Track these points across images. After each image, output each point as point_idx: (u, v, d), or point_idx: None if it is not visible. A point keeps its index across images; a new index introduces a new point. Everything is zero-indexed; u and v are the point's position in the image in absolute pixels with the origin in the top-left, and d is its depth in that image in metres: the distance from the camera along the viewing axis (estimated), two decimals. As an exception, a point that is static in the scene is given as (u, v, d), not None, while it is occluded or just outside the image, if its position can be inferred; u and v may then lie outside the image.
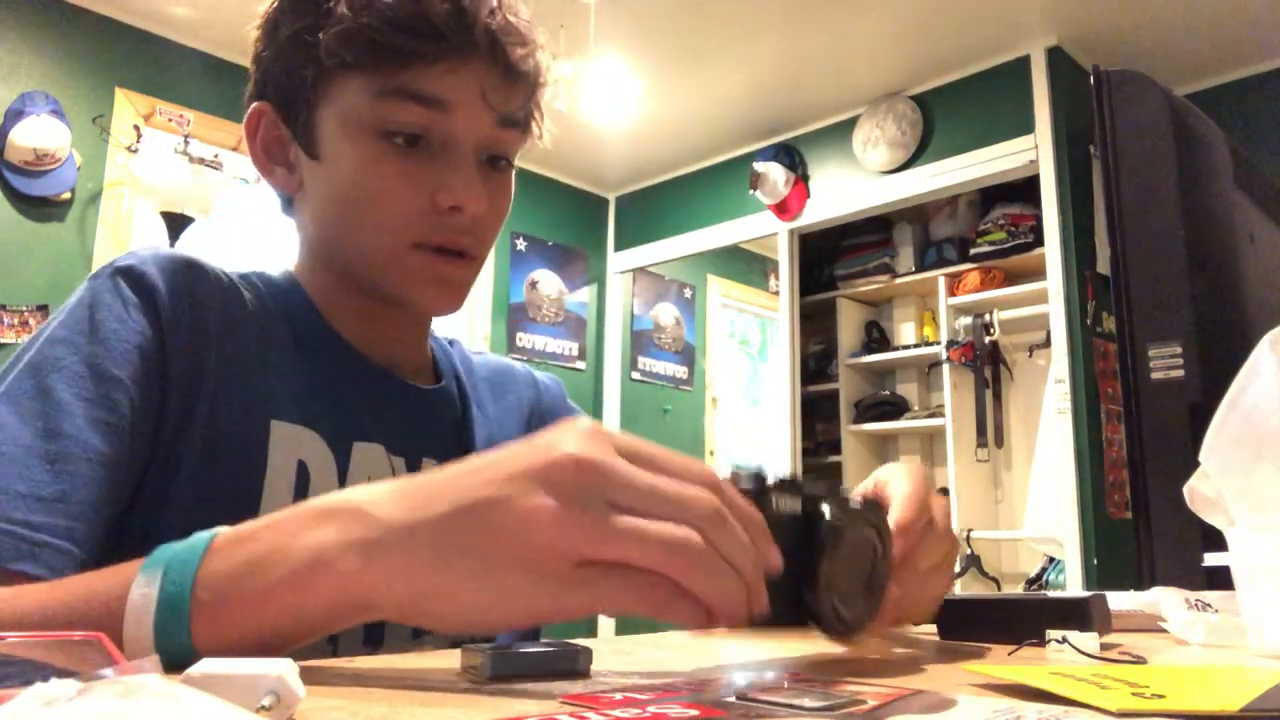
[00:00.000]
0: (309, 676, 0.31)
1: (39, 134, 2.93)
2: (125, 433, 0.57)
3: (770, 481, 0.44)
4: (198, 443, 0.60)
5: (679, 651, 0.53)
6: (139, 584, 0.39)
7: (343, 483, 0.66)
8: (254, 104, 0.70)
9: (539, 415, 0.86)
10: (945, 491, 4.04)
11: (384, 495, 0.40)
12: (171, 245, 2.96)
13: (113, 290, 0.60)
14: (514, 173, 0.73)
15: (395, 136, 0.64)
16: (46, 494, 0.51)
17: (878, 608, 0.49)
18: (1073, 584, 3.07)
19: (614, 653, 0.50)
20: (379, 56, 0.63)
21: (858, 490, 0.53)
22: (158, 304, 0.61)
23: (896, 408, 4.44)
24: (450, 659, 0.45)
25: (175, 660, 0.35)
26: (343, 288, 0.71)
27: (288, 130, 0.69)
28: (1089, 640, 0.51)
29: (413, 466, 0.71)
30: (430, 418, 0.75)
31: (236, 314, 0.65)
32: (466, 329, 4.10)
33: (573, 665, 0.41)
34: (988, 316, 3.94)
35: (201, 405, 0.60)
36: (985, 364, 3.96)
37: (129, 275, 0.61)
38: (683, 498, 0.37)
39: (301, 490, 0.63)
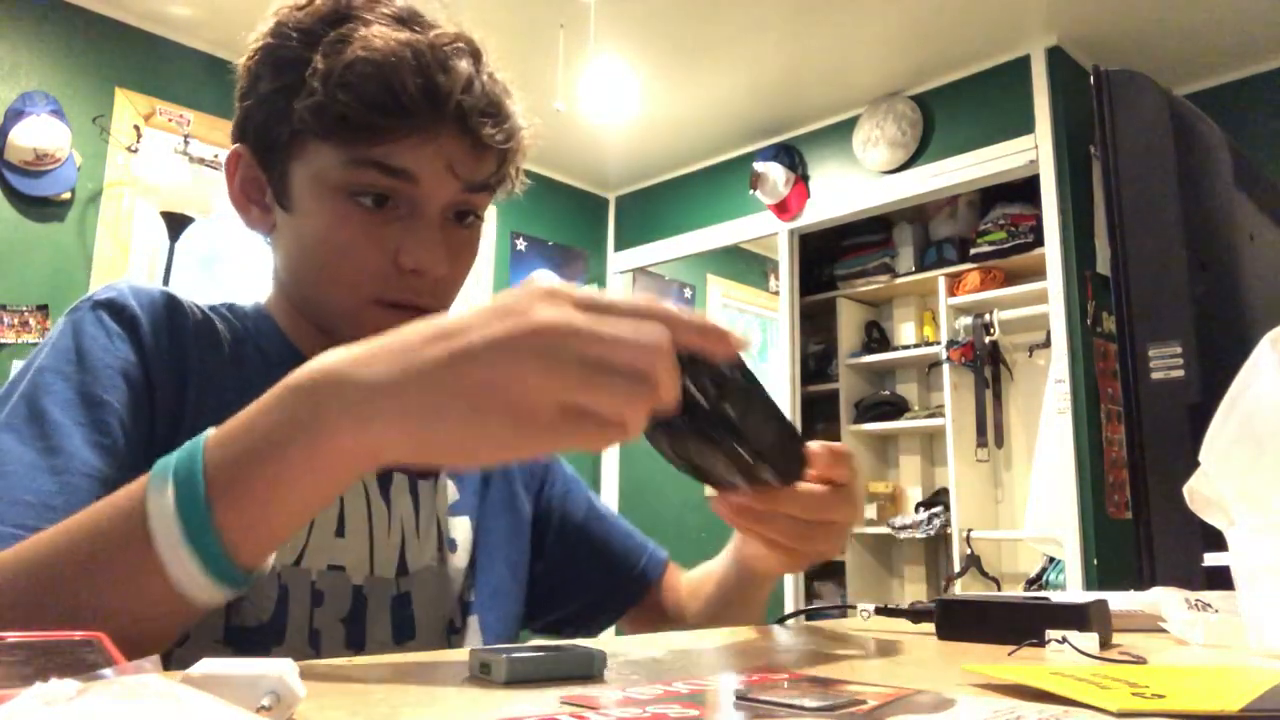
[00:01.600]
0: (309, 676, 0.31)
1: (39, 134, 2.93)
2: (120, 453, 0.58)
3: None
4: None
5: (680, 652, 0.53)
6: (152, 498, 0.42)
7: None
8: (234, 145, 0.72)
9: None
10: (945, 491, 4.04)
11: (366, 356, 0.43)
12: (172, 244, 2.96)
13: (95, 321, 0.62)
14: (482, 226, 0.74)
15: (362, 197, 0.65)
16: (55, 503, 0.53)
17: (798, 462, 0.56)
18: (1073, 584, 3.07)
19: (615, 653, 0.50)
20: (348, 131, 0.64)
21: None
22: (140, 335, 0.63)
23: (896, 408, 4.44)
24: (450, 659, 0.45)
25: (211, 554, 0.41)
26: (310, 325, 0.73)
27: (264, 175, 0.70)
28: (1089, 640, 0.51)
29: (384, 483, 0.72)
30: None
31: (212, 346, 0.67)
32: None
33: (588, 669, 0.41)
34: (988, 316, 3.94)
35: (184, 436, 0.61)
36: (985, 364, 3.96)
37: (110, 307, 0.63)
38: (639, 340, 0.41)
39: None
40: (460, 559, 0.75)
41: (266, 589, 0.62)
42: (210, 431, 0.44)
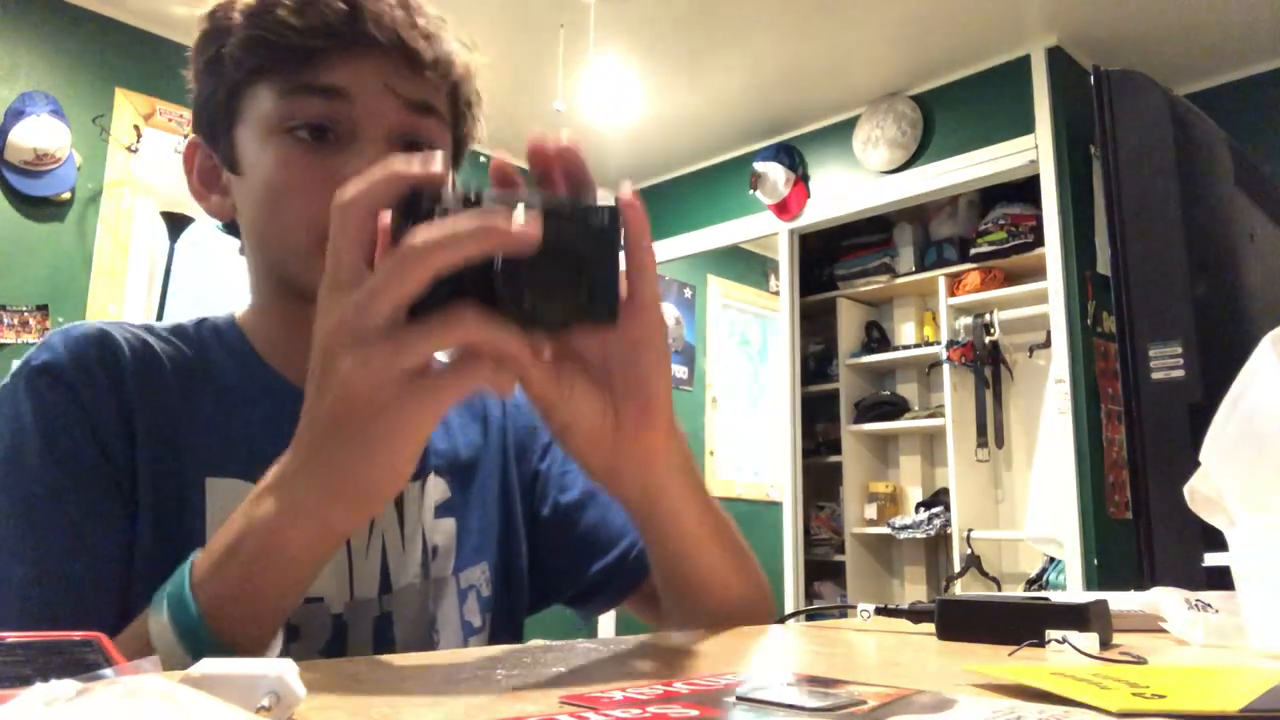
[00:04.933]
0: (309, 676, 0.31)
1: (39, 134, 2.93)
2: (119, 520, 0.60)
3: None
4: (144, 508, 0.62)
5: (679, 652, 0.53)
6: (153, 621, 0.46)
7: None
8: (190, 138, 0.72)
9: (506, 416, 0.84)
10: (945, 492, 4.04)
11: (287, 458, 0.47)
12: (172, 244, 2.96)
13: (31, 394, 0.61)
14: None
15: (299, 130, 0.65)
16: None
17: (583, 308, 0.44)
18: (1073, 584, 3.07)
19: (615, 653, 0.50)
20: (277, 57, 0.64)
21: None
22: (80, 399, 0.62)
23: (896, 408, 4.44)
24: (451, 659, 0.45)
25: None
26: (286, 322, 0.71)
27: (216, 157, 0.71)
28: (1089, 640, 0.51)
29: None
30: None
31: (154, 378, 0.66)
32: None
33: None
34: (988, 316, 3.94)
35: (142, 469, 0.62)
36: (985, 364, 3.96)
37: (47, 373, 0.62)
38: (394, 278, 0.41)
39: None
40: (443, 566, 0.73)
41: None
42: (195, 557, 0.49)
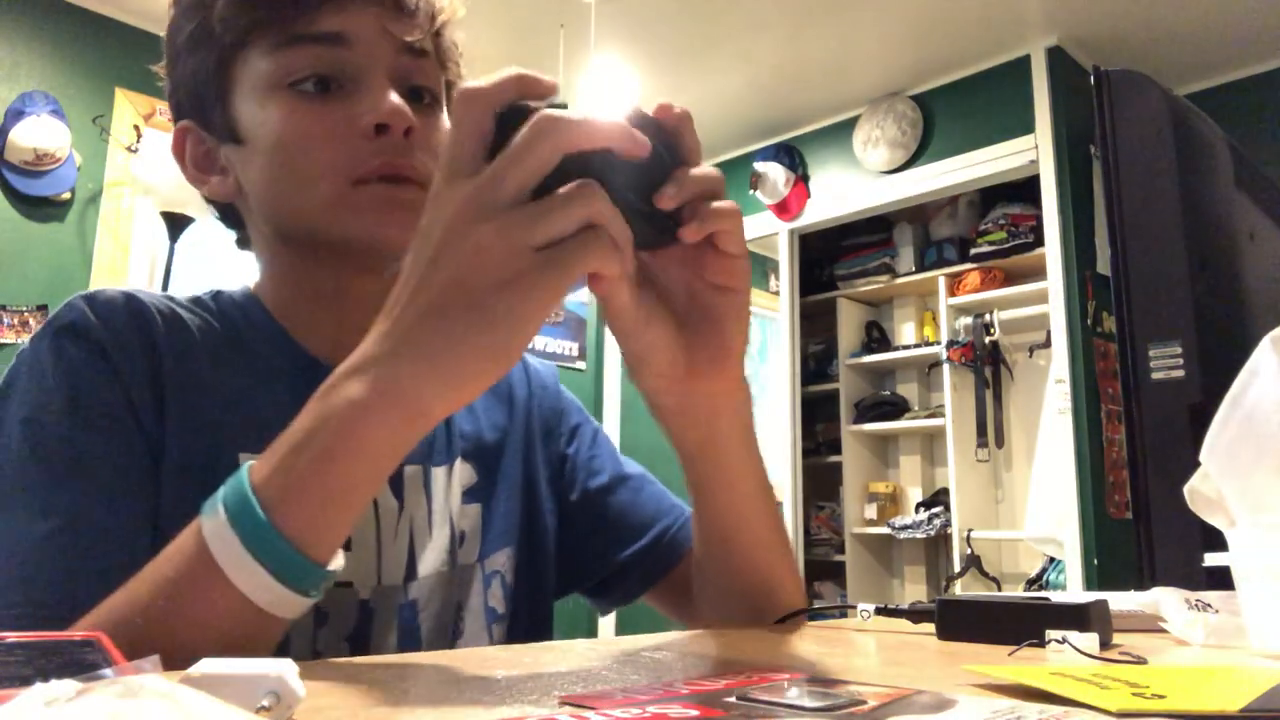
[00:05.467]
0: (309, 676, 0.31)
1: (39, 134, 2.93)
2: (146, 486, 0.58)
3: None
4: (173, 478, 0.60)
5: (679, 651, 0.53)
6: (207, 526, 0.44)
7: None
8: (175, 126, 0.71)
9: (532, 398, 0.83)
10: (945, 492, 4.04)
11: (372, 342, 0.45)
12: (172, 244, 2.96)
13: (57, 351, 0.59)
14: (445, 118, 0.70)
15: (304, 84, 0.64)
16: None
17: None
18: (1073, 584, 3.07)
19: (614, 653, 0.50)
20: (270, 9, 0.63)
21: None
22: (109, 356, 0.60)
23: (897, 408, 4.44)
24: (451, 659, 0.45)
25: (278, 558, 0.42)
26: (304, 291, 0.70)
27: (211, 137, 0.69)
28: (1089, 640, 0.51)
29: (395, 479, 0.68)
30: None
31: (185, 347, 0.64)
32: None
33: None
34: (988, 316, 3.94)
35: (170, 442, 0.60)
36: (985, 364, 3.96)
37: (72, 332, 0.60)
38: (529, 155, 0.42)
39: None
40: (469, 552, 0.72)
41: None
42: (250, 461, 0.46)
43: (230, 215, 0.74)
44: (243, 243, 0.74)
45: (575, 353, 4.55)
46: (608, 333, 3.75)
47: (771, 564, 0.67)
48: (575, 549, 0.80)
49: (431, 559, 0.69)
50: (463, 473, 0.73)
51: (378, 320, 0.45)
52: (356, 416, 0.43)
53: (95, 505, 0.55)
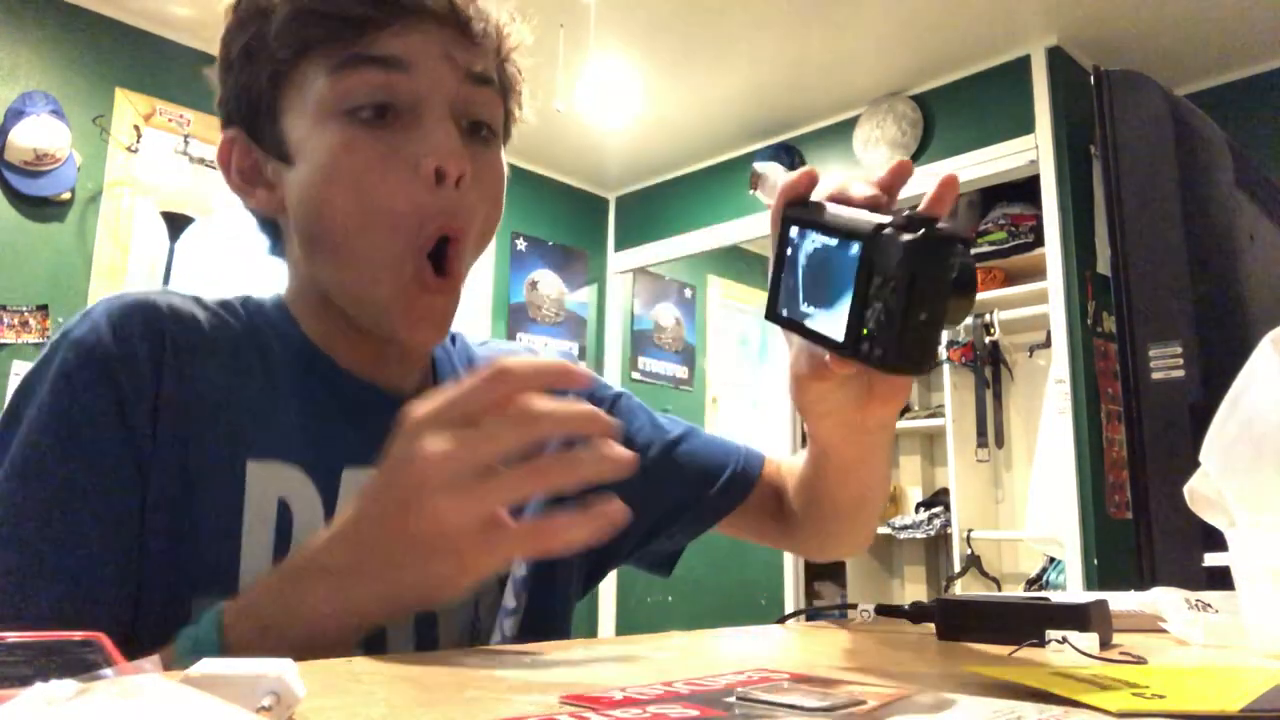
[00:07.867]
0: (309, 676, 0.31)
1: (39, 134, 2.93)
2: (131, 521, 0.58)
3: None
4: (176, 484, 0.59)
5: (679, 652, 0.53)
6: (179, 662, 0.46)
7: (329, 515, 0.63)
8: (223, 133, 0.68)
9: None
10: (945, 492, 4.04)
11: (335, 549, 0.49)
12: (172, 244, 2.96)
13: (64, 377, 0.58)
14: (502, 152, 0.69)
15: (361, 111, 0.61)
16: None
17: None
18: (1073, 584, 3.07)
19: (615, 653, 0.50)
20: (328, 28, 0.61)
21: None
22: (113, 376, 0.59)
23: (896, 408, 4.43)
24: (451, 659, 0.45)
25: None
26: (331, 314, 0.68)
27: (259, 149, 0.66)
28: (1089, 640, 0.51)
29: None
30: None
31: (198, 352, 0.63)
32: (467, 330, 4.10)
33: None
34: (988, 316, 3.94)
35: (174, 451, 0.59)
36: (985, 364, 3.96)
37: (81, 350, 0.59)
38: (507, 429, 0.47)
39: (283, 528, 0.61)
40: None
41: None
42: (224, 603, 0.49)
43: (269, 226, 0.72)
44: (275, 250, 0.72)
45: (576, 353, 4.55)
46: (608, 332, 3.73)
47: (875, 495, 0.75)
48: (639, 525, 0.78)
49: None
50: None
51: (351, 503, 0.49)
52: (317, 620, 0.48)
53: (64, 543, 0.55)
